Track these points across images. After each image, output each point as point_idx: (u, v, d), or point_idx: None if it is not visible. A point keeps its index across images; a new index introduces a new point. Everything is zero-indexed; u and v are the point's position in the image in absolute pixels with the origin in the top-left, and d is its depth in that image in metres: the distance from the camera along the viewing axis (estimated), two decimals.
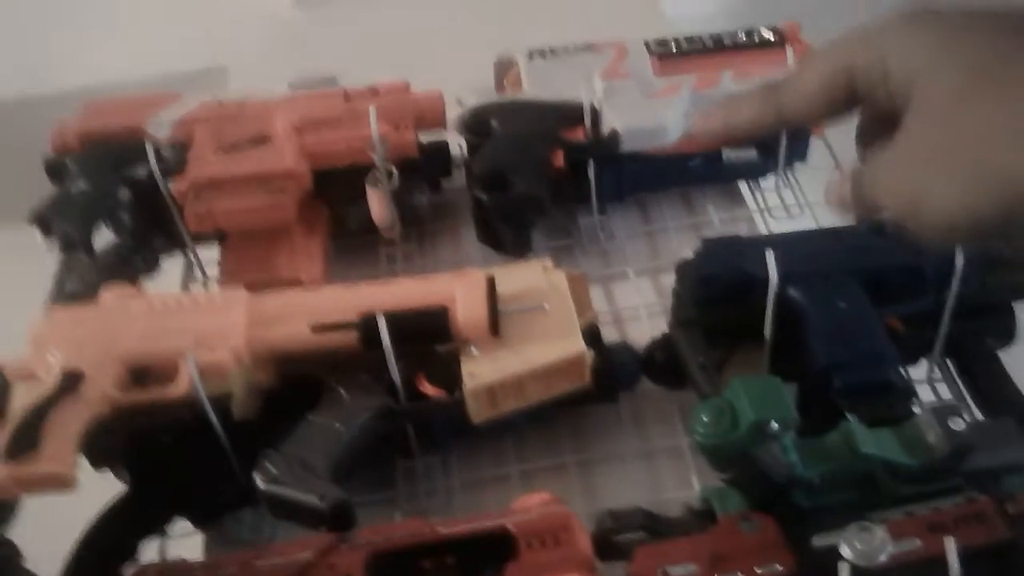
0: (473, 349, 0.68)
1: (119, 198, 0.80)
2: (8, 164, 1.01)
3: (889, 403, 0.63)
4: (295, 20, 1.36)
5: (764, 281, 0.66)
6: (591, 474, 0.73)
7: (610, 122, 0.84)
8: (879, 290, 0.68)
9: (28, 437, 0.61)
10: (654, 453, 0.73)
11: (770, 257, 0.66)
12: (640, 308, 0.83)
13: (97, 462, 0.67)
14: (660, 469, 0.72)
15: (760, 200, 0.93)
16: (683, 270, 0.72)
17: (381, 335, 0.65)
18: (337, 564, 0.56)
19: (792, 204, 0.91)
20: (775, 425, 0.51)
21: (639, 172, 0.89)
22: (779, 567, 0.53)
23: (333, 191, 0.86)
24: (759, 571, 0.53)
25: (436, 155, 0.88)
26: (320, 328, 0.67)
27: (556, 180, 0.84)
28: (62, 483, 0.61)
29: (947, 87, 0.40)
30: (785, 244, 0.69)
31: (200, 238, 0.85)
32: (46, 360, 0.66)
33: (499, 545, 0.58)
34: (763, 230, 0.90)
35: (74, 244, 0.77)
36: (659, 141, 0.85)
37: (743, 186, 0.95)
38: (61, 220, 0.76)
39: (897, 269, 0.69)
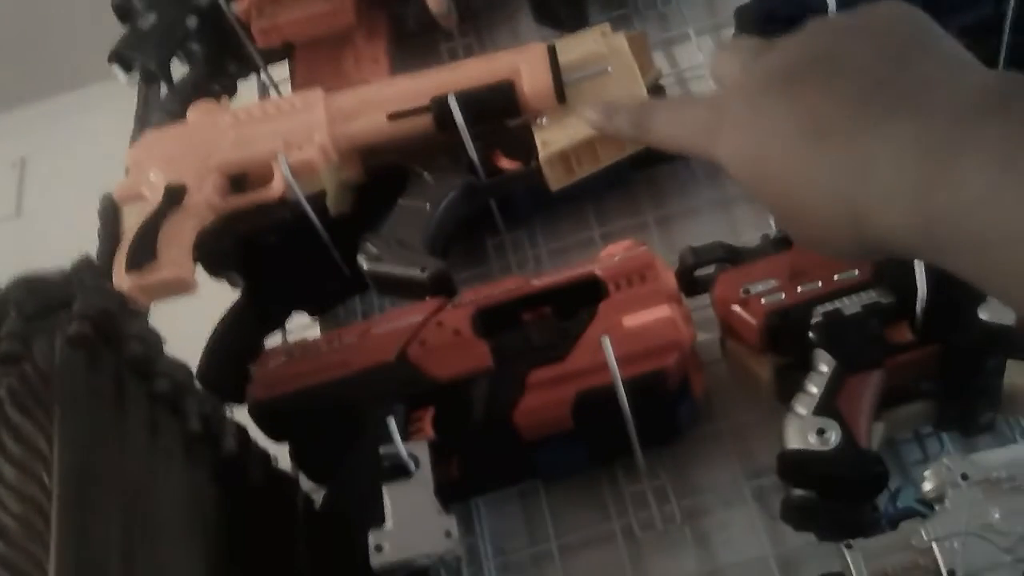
0: (543, 119, 0.70)
1: (188, 27, 0.82)
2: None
3: None
4: None
5: (824, 8, 0.66)
6: (671, 229, 0.75)
7: None
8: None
9: (145, 249, 0.67)
10: (730, 201, 0.75)
11: None
12: (704, 67, 0.83)
13: (213, 270, 0.72)
14: (737, 216, 0.74)
15: None
16: (742, 14, 0.72)
17: (453, 114, 0.68)
18: (445, 321, 0.61)
19: None
20: None
21: None
22: (856, 272, 0.56)
23: None
24: (837, 278, 0.56)
25: None
26: (396, 115, 0.70)
27: None
28: (183, 286, 0.67)
29: None
30: None
31: (269, 55, 0.88)
32: (148, 181, 0.71)
33: (591, 292, 0.62)
34: None
35: (154, 76, 0.80)
36: None
37: None
38: (138, 55, 0.79)
39: None
